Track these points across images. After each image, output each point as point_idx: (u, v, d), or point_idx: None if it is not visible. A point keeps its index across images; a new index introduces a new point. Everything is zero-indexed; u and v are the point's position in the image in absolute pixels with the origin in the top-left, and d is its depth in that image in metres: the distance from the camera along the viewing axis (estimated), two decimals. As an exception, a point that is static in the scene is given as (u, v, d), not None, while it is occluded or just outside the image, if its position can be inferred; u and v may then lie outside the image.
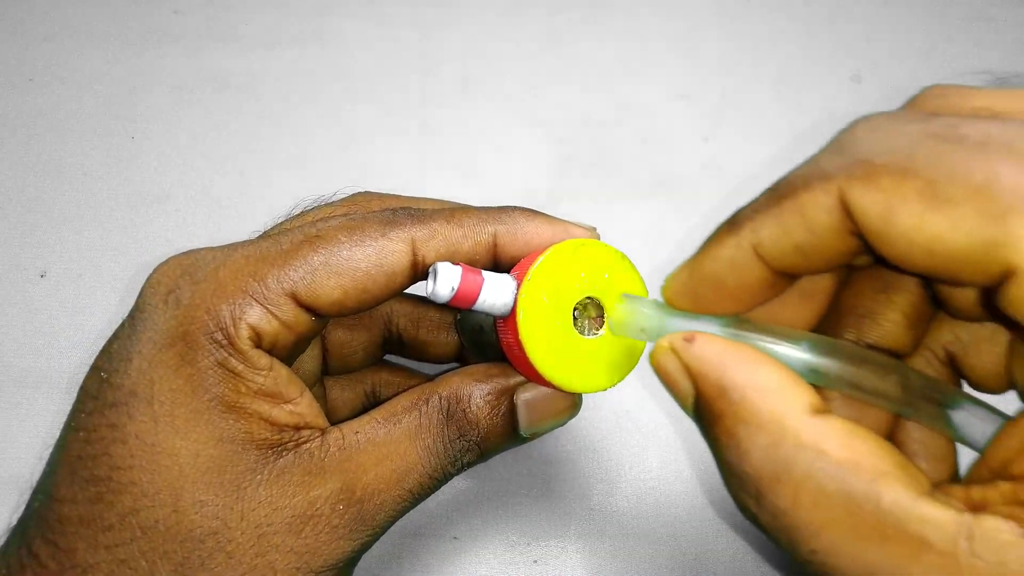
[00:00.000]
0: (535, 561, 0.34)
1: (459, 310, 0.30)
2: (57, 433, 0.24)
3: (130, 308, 0.25)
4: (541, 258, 0.24)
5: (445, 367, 0.35)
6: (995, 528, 0.16)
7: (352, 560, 0.24)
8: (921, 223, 0.16)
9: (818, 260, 0.19)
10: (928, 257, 0.17)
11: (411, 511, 0.34)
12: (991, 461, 0.17)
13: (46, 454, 0.25)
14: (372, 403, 0.32)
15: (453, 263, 0.24)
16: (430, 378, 0.33)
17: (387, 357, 0.33)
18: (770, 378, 0.19)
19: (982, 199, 0.15)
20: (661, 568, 0.34)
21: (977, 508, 0.16)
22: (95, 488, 0.22)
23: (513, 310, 0.24)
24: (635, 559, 0.34)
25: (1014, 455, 0.17)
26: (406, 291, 0.32)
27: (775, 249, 0.19)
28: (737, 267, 0.20)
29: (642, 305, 0.24)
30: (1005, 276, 0.16)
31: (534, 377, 0.25)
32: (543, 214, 0.26)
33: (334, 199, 0.29)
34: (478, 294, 0.24)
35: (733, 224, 0.20)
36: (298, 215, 0.28)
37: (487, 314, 0.25)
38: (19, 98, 0.44)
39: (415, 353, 0.32)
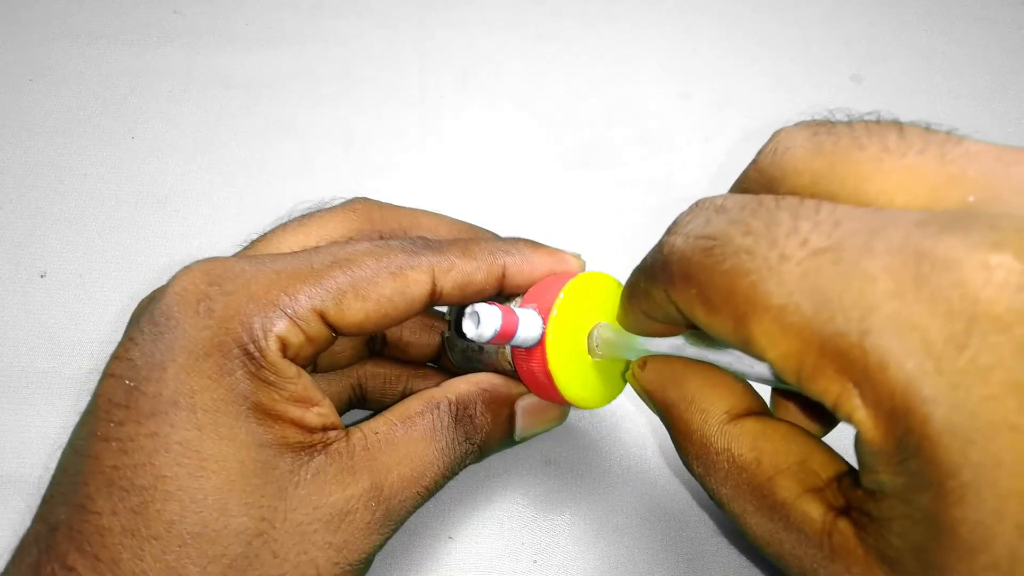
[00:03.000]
0: (534, 561, 0.34)
1: (448, 327, 0.32)
2: (60, 434, 0.24)
3: (137, 312, 0.25)
4: (562, 294, 0.27)
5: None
6: (845, 531, 0.19)
7: (376, 553, 0.26)
8: (709, 323, 0.19)
9: (685, 323, 0.22)
10: (726, 343, 0.19)
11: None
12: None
13: (51, 457, 0.25)
14: (358, 396, 0.34)
15: (489, 303, 0.26)
16: (415, 369, 0.34)
17: None
18: (694, 391, 0.23)
19: (729, 307, 0.18)
20: (658, 568, 0.34)
21: (844, 507, 0.19)
22: (138, 497, 0.22)
23: (541, 342, 0.27)
24: (633, 559, 0.34)
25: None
26: None
27: (659, 315, 0.22)
28: (640, 323, 0.24)
29: (613, 333, 0.27)
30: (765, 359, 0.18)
31: (550, 396, 0.28)
32: (543, 245, 0.29)
33: (333, 203, 0.29)
34: (515, 332, 0.26)
35: (631, 295, 0.23)
36: (296, 220, 0.29)
37: (513, 346, 0.28)
38: (19, 98, 0.44)
39: (397, 352, 0.34)
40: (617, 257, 0.29)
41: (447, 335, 0.32)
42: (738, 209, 0.19)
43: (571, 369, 0.27)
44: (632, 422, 0.37)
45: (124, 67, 0.45)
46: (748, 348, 0.18)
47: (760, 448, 0.21)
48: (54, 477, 0.24)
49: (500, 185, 0.43)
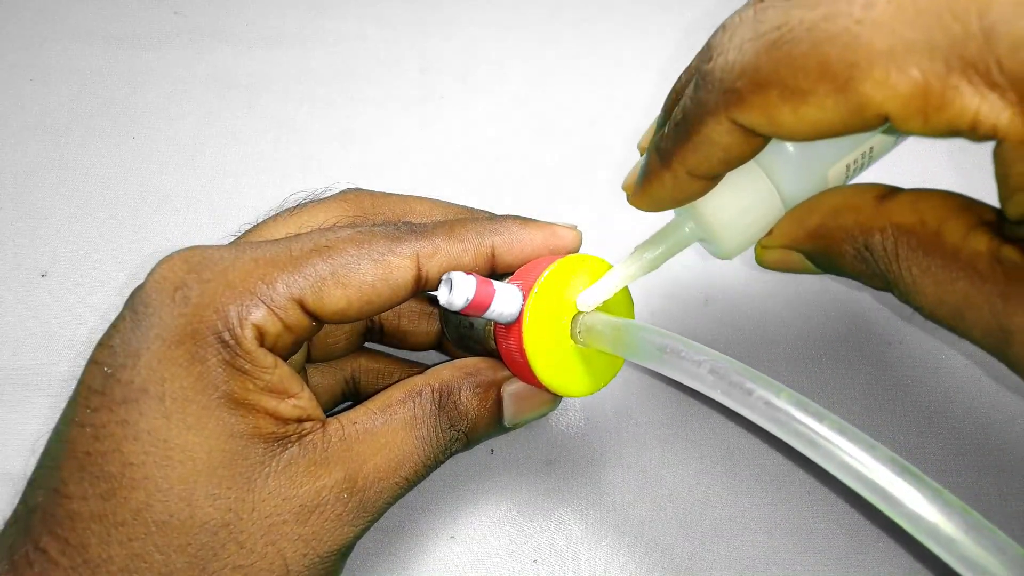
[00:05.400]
0: (534, 560, 0.34)
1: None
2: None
3: (126, 300, 0.25)
4: (546, 273, 0.26)
5: (423, 354, 0.35)
6: (1011, 254, 0.20)
7: (353, 544, 0.25)
8: (799, 118, 0.18)
9: (740, 160, 0.22)
10: (822, 134, 0.19)
11: (409, 511, 0.35)
12: None
13: (39, 447, 0.25)
14: (352, 389, 0.33)
15: (466, 273, 0.25)
16: (410, 365, 0.34)
17: (366, 344, 0.34)
18: (834, 204, 0.23)
19: (826, 80, 0.17)
20: (658, 568, 0.34)
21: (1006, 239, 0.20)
22: (107, 484, 0.22)
23: (519, 320, 0.26)
24: (633, 559, 0.34)
25: None
26: None
27: (704, 169, 0.22)
28: (681, 187, 0.23)
29: (599, 321, 0.26)
30: (885, 119, 0.18)
31: (528, 379, 0.27)
32: (533, 220, 0.28)
33: (325, 194, 0.29)
34: (490, 304, 0.25)
35: (663, 161, 0.23)
36: (288, 210, 0.29)
37: (491, 321, 0.26)
38: (19, 98, 0.44)
39: (395, 341, 0.33)
40: (616, 257, 0.28)
41: (443, 310, 0.32)
42: None
43: (549, 351, 0.26)
44: (633, 422, 0.37)
45: (124, 67, 0.45)
46: (860, 114, 0.17)
47: (919, 209, 0.21)
48: (38, 461, 0.25)
49: (500, 185, 0.43)
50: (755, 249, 0.26)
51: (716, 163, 0.22)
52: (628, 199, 0.26)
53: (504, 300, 0.26)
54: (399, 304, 0.26)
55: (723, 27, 0.20)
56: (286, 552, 0.23)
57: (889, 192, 0.23)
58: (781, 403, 0.20)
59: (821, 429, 0.20)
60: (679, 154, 0.22)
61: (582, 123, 0.45)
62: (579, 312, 0.26)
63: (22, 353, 0.37)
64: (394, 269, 0.25)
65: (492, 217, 0.28)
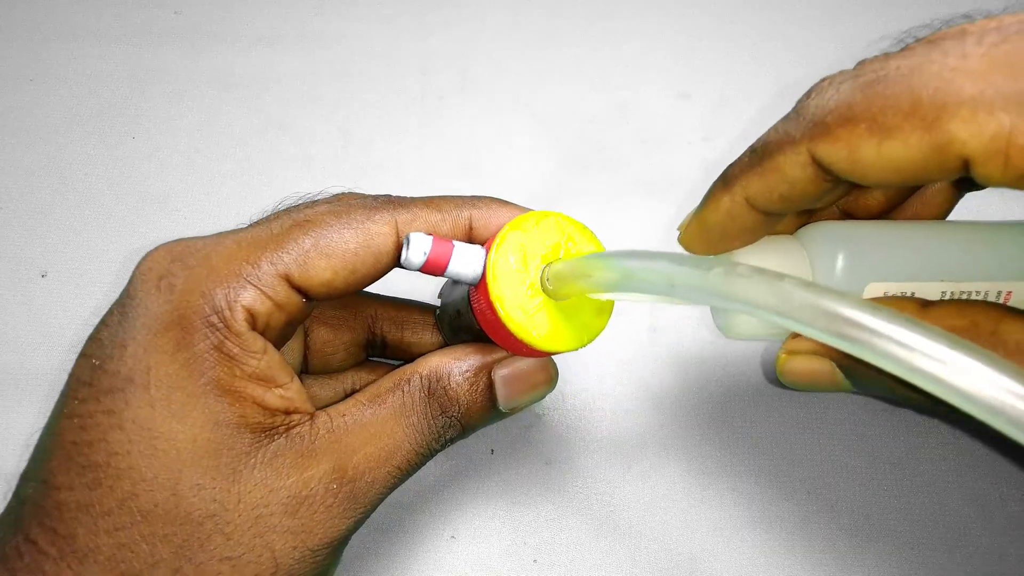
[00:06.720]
0: (534, 560, 0.34)
1: (438, 306, 0.31)
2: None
3: (117, 297, 0.25)
4: (507, 225, 0.26)
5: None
6: None
7: (346, 538, 0.25)
8: (881, 153, 0.19)
9: (800, 202, 0.22)
10: (898, 175, 0.20)
11: (409, 511, 0.35)
12: None
13: (32, 444, 0.25)
14: None
15: (426, 233, 0.25)
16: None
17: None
18: None
19: (915, 118, 0.19)
20: (658, 568, 0.34)
21: None
22: (93, 474, 0.22)
23: (484, 274, 0.25)
24: (633, 558, 0.34)
25: None
26: (390, 295, 0.33)
27: (763, 200, 0.23)
28: (734, 216, 0.24)
29: (565, 263, 0.25)
30: (964, 165, 0.19)
31: (510, 343, 0.26)
32: (514, 203, 0.28)
33: (319, 196, 0.29)
34: (449, 260, 0.25)
35: (726, 183, 0.24)
36: (283, 210, 0.29)
37: (459, 282, 0.26)
38: (19, 98, 0.44)
39: (400, 354, 0.33)
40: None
41: (438, 312, 0.31)
42: (890, 52, 0.20)
43: (520, 304, 0.25)
44: (634, 421, 0.37)
45: (124, 67, 0.45)
46: (942, 154, 0.18)
47: (969, 314, 0.22)
48: (31, 455, 0.25)
49: (500, 185, 0.43)
50: (778, 358, 0.26)
51: (777, 196, 0.22)
52: (679, 238, 0.26)
53: (464, 257, 0.25)
54: (383, 274, 0.26)
55: (826, 77, 0.21)
56: (275, 544, 0.23)
57: (929, 302, 0.23)
58: (736, 274, 0.20)
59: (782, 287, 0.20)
60: (744, 178, 0.23)
61: (581, 123, 0.45)
62: (548, 263, 0.26)
63: (22, 353, 0.37)
64: (374, 235, 0.25)
65: (473, 196, 0.29)
